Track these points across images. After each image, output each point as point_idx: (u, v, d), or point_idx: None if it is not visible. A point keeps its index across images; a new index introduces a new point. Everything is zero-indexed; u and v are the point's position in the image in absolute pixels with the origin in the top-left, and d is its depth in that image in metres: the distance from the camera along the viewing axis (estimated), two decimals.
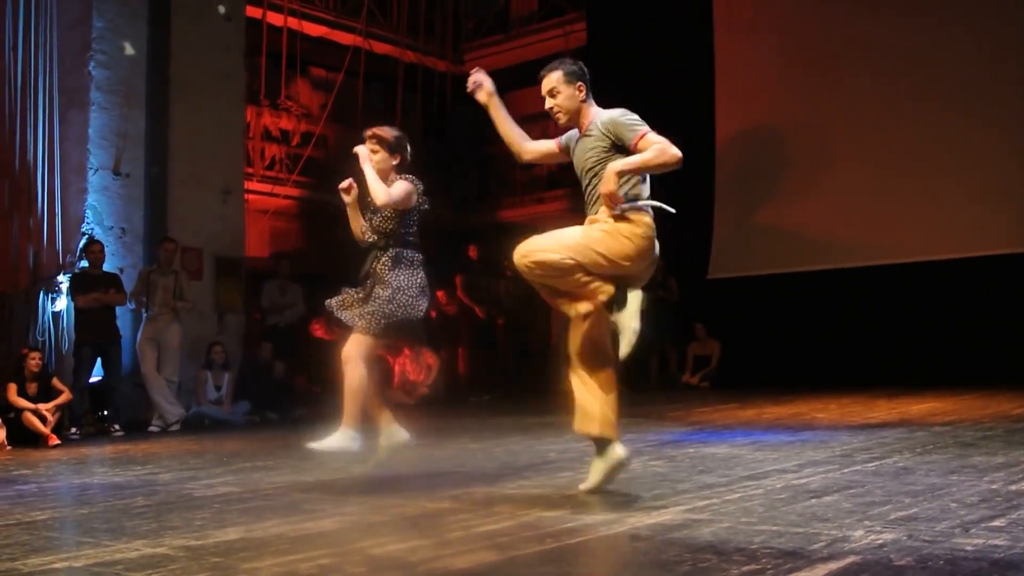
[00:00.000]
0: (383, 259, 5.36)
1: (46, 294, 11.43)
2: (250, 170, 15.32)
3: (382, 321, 5.22)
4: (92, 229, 11.53)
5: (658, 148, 4.54)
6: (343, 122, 17.62)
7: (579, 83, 4.78)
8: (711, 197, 14.27)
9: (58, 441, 9.46)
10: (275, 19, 16.38)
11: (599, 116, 4.75)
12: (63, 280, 11.33)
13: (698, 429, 7.92)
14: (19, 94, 11.80)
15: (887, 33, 12.91)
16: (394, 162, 5.45)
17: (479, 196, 18.59)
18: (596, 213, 4.70)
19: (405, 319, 5.30)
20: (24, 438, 9.41)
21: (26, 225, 11.77)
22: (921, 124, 12.58)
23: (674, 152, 4.55)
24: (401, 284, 5.31)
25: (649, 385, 14.12)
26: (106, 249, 11.13)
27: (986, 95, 12.21)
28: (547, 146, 5.06)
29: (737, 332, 13.71)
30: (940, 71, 12.46)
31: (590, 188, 4.74)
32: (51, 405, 9.70)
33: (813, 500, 4.20)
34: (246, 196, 13.87)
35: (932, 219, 12.39)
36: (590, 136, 4.73)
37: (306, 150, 16.68)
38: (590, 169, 4.72)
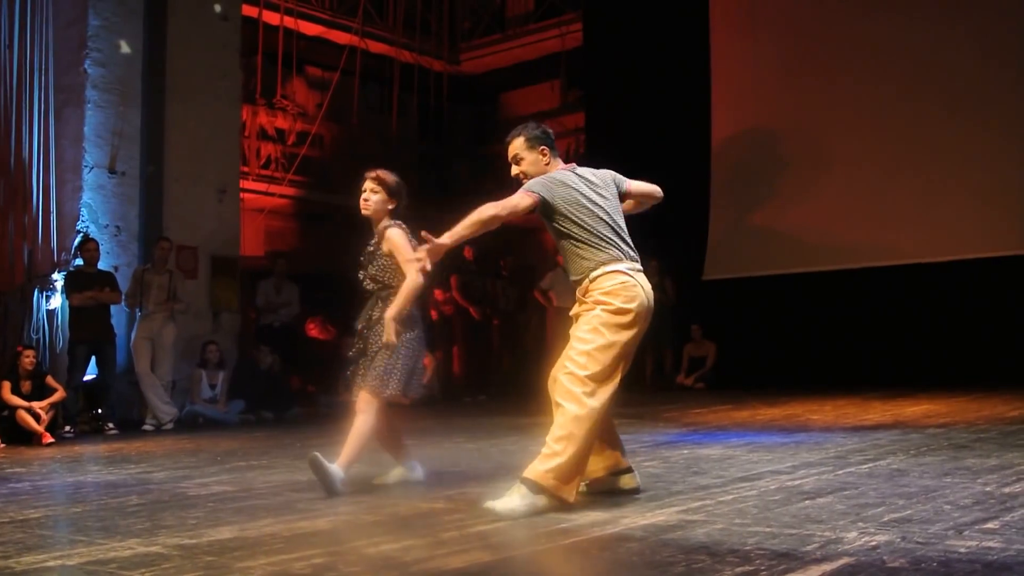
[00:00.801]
0: (376, 314, 5.32)
1: (41, 292, 11.41)
2: (246, 169, 15.32)
3: (390, 381, 5.21)
4: (87, 227, 11.52)
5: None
6: (339, 121, 17.63)
7: (542, 147, 4.79)
8: (707, 198, 14.28)
9: (52, 439, 9.45)
10: (271, 18, 16.38)
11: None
12: (58, 278, 11.31)
13: (693, 430, 7.93)
14: (15, 92, 11.78)
15: (885, 34, 12.92)
16: (390, 206, 5.41)
17: (475, 196, 18.59)
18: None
19: (409, 372, 5.28)
20: (18, 436, 9.40)
21: (21, 223, 11.75)
22: (918, 125, 12.59)
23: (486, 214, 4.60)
24: (403, 338, 5.26)
25: (643, 386, 14.14)
26: (101, 247, 11.11)
27: (985, 96, 12.22)
28: (516, 207, 4.63)
29: (732, 333, 13.72)
30: (939, 72, 12.48)
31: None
32: (45, 403, 9.69)
33: (807, 501, 4.20)
34: (242, 195, 13.86)
35: (928, 221, 12.41)
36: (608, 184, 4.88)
37: (302, 149, 16.67)
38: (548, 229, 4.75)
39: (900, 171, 12.63)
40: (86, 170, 11.62)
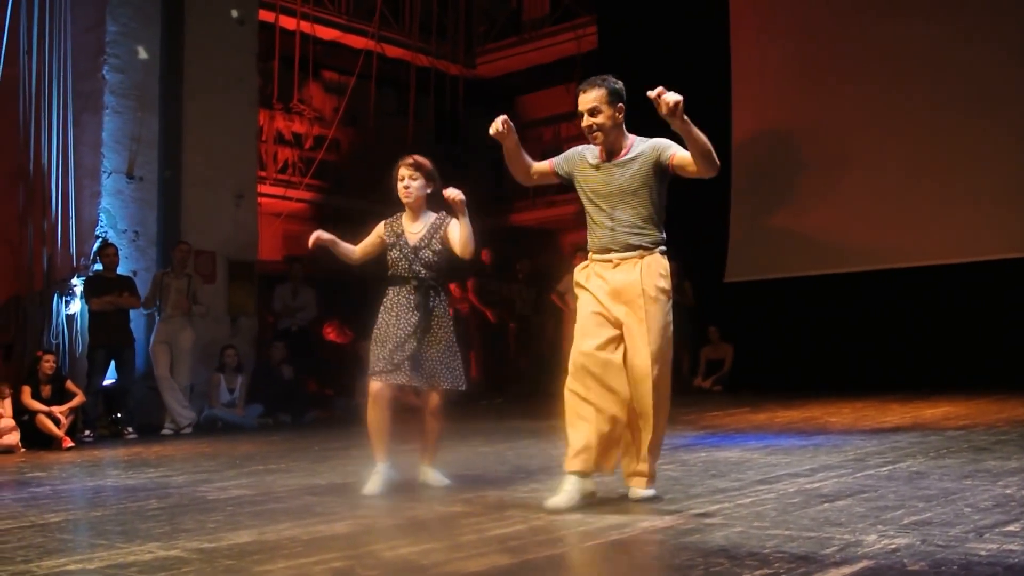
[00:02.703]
0: (440, 303, 5.39)
1: (60, 297, 11.47)
2: (263, 173, 15.36)
3: (459, 373, 5.37)
4: (106, 232, 11.57)
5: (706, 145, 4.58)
6: (356, 125, 17.67)
7: (620, 104, 4.75)
8: (727, 201, 14.24)
9: (72, 443, 9.50)
10: (288, 23, 16.42)
11: (641, 141, 4.78)
12: (77, 283, 11.37)
13: (710, 433, 7.91)
14: (34, 98, 11.86)
15: (903, 36, 12.87)
16: (428, 191, 5.42)
17: (492, 200, 18.62)
18: (616, 253, 4.68)
19: (464, 368, 5.45)
20: (38, 440, 9.45)
21: (40, 228, 11.82)
22: (937, 127, 12.53)
23: (716, 163, 4.65)
24: (454, 331, 5.43)
25: None
26: (120, 252, 11.16)
27: (1003, 98, 12.16)
28: (542, 168, 4.97)
29: (750, 335, 13.68)
30: (957, 74, 12.42)
31: (637, 211, 4.68)
32: (65, 408, 9.74)
33: (826, 504, 4.19)
34: (259, 199, 13.90)
35: (947, 223, 12.35)
36: (630, 160, 4.72)
37: (319, 153, 16.71)
38: (632, 192, 4.67)
39: (921, 173, 12.57)
40: (104, 175, 11.68)
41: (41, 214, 11.82)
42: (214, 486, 5.91)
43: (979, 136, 12.22)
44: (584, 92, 4.73)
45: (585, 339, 4.59)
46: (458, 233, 5.28)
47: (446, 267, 5.43)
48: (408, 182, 5.38)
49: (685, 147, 4.62)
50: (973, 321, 12.08)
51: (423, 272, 5.34)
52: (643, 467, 4.62)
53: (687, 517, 4.04)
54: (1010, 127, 12.10)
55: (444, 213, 5.42)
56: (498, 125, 4.72)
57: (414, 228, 5.43)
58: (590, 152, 4.81)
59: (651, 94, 4.39)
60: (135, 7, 12.10)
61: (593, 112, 4.70)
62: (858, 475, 5.04)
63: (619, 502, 4.53)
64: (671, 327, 4.65)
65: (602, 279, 4.67)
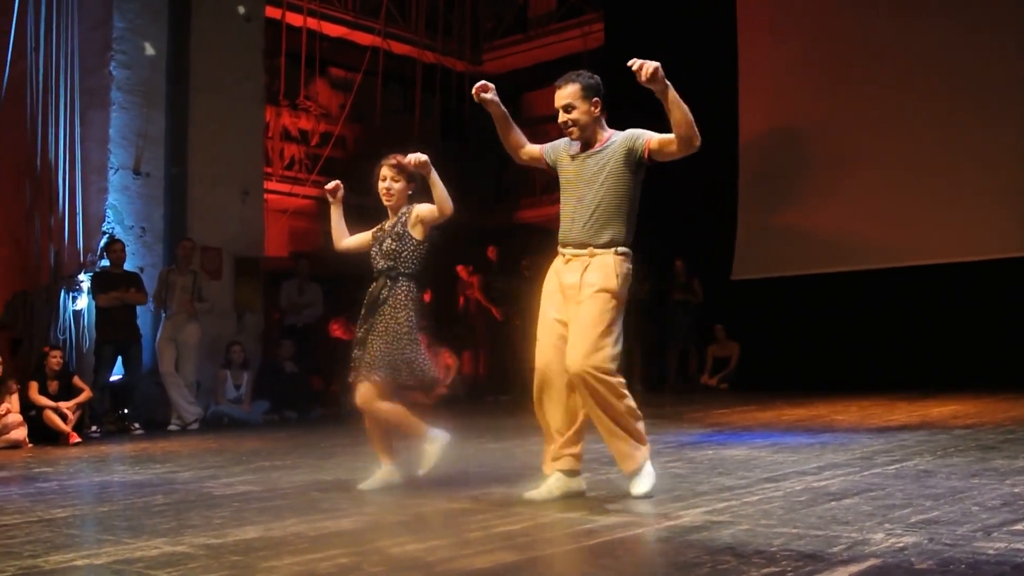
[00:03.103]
0: (397, 292, 5.22)
1: (67, 293, 11.49)
2: (269, 170, 15.38)
3: (393, 368, 5.12)
4: (113, 228, 11.58)
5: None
6: (362, 122, 17.67)
7: (595, 98, 4.70)
8: (734, 199, 14.23)
9: (79, 439, 9.51)
10: (294, 19, 16.43)
11: (617, 134, 4.72)
12: (84, 279, 11.38)
13: (717, 431, 7.90)
14: (41, 94, 11.87)
15: (910, 36, 12.86)
16: (410, 192, 5.36)
17: (498, 196, 18.61)
18: (571, 248, 4.66)
19: (411, 360, 5.19)
20: (45, 436, 9.47)
21: (47, 224, 11.84)
22: (944, 126, 12.51)
23: (697, 134, 4.52)
24: (409, 322, 5.20)
25: (666, 385, 14.13)
26: (126, 248, 11.17)
27: (1009, 98, 12.15)
28: (534, 151, 4.97)
29: (757, 334, 13.67)
30: (963, 74, 12.41)
31: (594, 206, 4.61)
32: (72, 403, 9.76)
33: (833, 503, 4.18)
34: (265, 196, 13.90)
35: (955, 221, 12.33)
36: (602, 151, 4.66)
37: (325, 150, 16.72)
38: (598, 183, 4.62)
39: (929, 171, 12.56)
40: (111, 171, 11.69)
41: (48, 210, 11.84)
42: (220, 482, 5.91)
43: (986, 135, 12.21)
44: (559, 88, 4.70)
45: (540, 346, 4.68)
46: (433, 198, 5.17)
47: (410, 256, 5.25)
48: (390, 183, 5.32)
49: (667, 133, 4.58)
50: (980, 319, 12.06)
51: (382, 263, 5.27)
52: (574, 450, 4.69)
53: (693, 515, 4.04)
54: (1018, 126, 12.07)
55: (410, 205, 5.33)
56: (477, 91, 4.77)
57: (388, 224, 5.38)
58: (572, 145, 4.79)
59: (631, 64, 4.42)
60: (142, 4, 12.11)
61: (568, 108, 4.68)
62: (865, 473, 5.03)
63: (624, 500, 4.52)
64: (615, 328, 4.55)
65: (557, 275, 4.70)
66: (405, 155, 5.31)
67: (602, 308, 4.52)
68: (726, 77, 14.40)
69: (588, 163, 4.67)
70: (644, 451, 4.62)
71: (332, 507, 4.71)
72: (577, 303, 4.56)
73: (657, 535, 3.65)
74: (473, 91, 4.85)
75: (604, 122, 4.78)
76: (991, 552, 3.13)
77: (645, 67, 4.40)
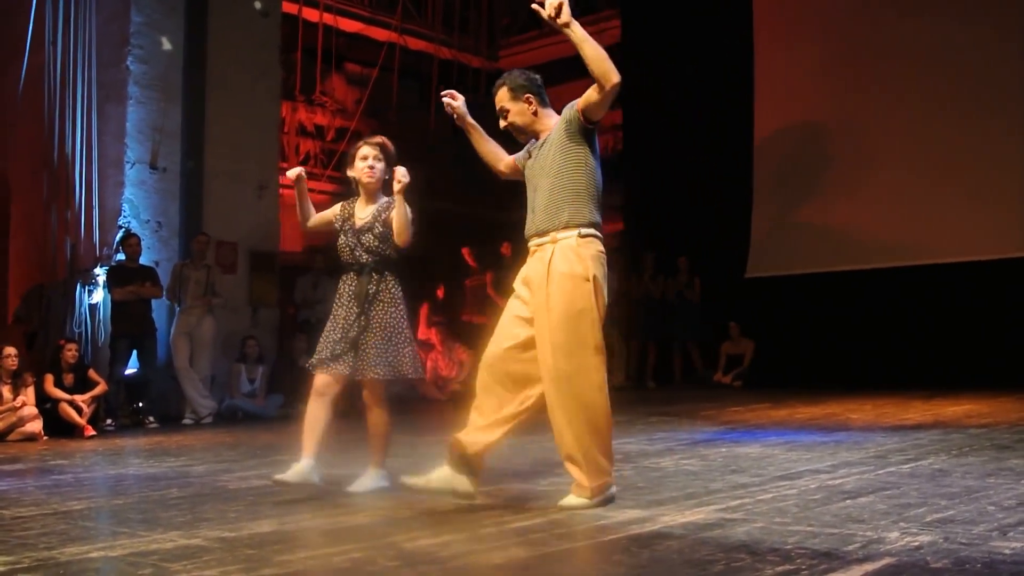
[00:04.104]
0: (384, 289, 5.09)
1: (83, 286, 11.53)
2: (285, 165, 15.37)
3: (395, 362, 5.03)
4: (129, 222, 11.62)
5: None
6: (377, 118, 17.68)
7: (527, 95, 4.60)
8: (749, 196, 14.20)
9: (94, 432, 9.55)
10: (311, 15, 16.45)
11: (559, 117, 4.60)
12: (100, 273, 11.42)
13: (731, 428, 7.89)
14: (58, 88, 11.91)
15: (925, 36, 12.79)
16: (386, 176, 5.19)
17: (512, 192, 18.60)
18: (534, 239, 4.53)
19: (412, 353, 5.11)
20: (60, 429, 9.51)
21: (64, 217, 11.88)
22: (961, 124, 12.45)
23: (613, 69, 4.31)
24: (404, 319, 5.11)
25: (672, 382, 14.12)
26: (142, 243, 11.21)
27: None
28: (510, 161, 4.87)
29: (770, 331, 13.64)
30: (978, 74, 12.35)
31: (549, 190, 4.47)
32: (87, 396, 9.80)
33: (848, 501, 4.17)
34: (281, 191, 13.92)
35: (971, 219, 12.27)
36: (550, 137, 4.55)
37: (341, 145, 16.71)
38: (550, 169, 4.49)
39: (945, 169, 12.50)
40: (128, 166, 11.72)
41: (65, 204, 11.88)
42: (235, 476, 5.93)
43: (1003, 134, 12.15)
44: (494, 95, 4.65)
45: (493, 341, 4.55)
46: (394, 218, 5.04)
47: (394, 252, 5.13)
48: (373, 162, 5.16)
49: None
50: (996, 318, 12.00)
51: (364, 258, 5.11)
52: (575, 472, 4.33)
53: (708, 512, 4.03)
54: None
55: (391, 199, 5.16)
56: (448, 103, 4.76)
57: (363, 213, 5.20)
58: (531, 143, 4.74)
59: (534, 6, 4.33)
60: None
61: (502, 113, 4.64)
62: (880, 472, 5.02)
63: (639, 497, 4.52)
64: (589, 315, 4.30)
65: (525, 272, 4.57)
66: (378, 136, 5.31)
67: (575, 296, 4.31)
68: (742, 75, 14.36)
69: (540, 154, 4.59)
70: (607, 478, 4.36)
71: (346, 502, 4.72)
72: (542, 290, 4.36)
73: (671, 532, 3.65)
74: (443, 98, 4.81)
75: (551, 111, 4.67)
76: (1007, 552, 3.12)
77: (549, 3, 4.23)
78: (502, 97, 4.62)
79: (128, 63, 11.83)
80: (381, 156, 5.19)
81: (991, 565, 2.96)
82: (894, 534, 3.43)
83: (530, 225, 4.54)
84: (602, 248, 4.45)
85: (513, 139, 4.77)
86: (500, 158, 4.90)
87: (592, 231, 4.42)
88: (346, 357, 5.04)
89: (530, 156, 4.66)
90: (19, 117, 12.33)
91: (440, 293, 14.71)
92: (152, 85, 11.98)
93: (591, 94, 4.36)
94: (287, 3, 14.67)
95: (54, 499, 5.15)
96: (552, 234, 4.41)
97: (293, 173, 5.27)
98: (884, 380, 11.87)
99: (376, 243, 5.10)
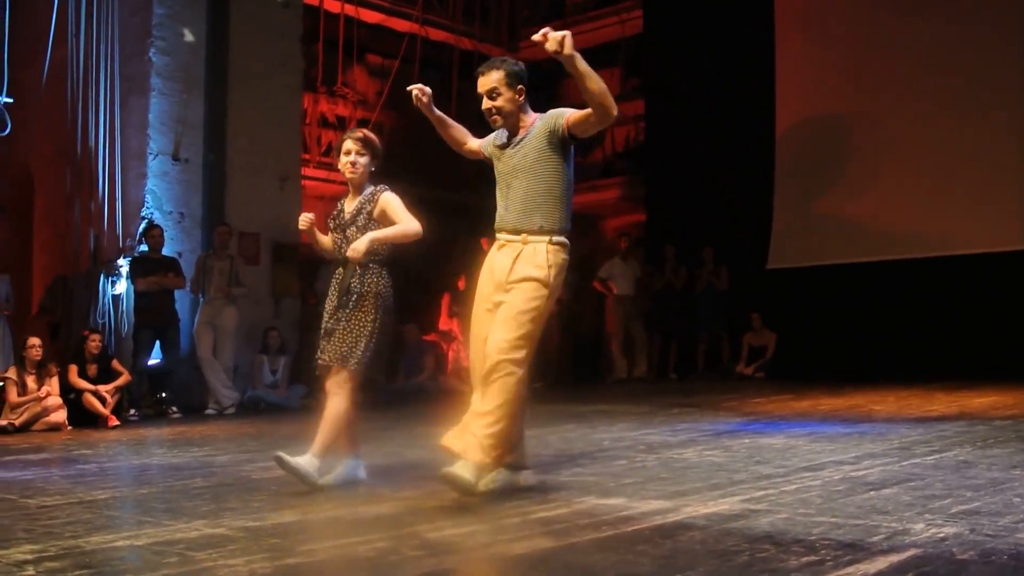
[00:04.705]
0: (368, 281, 4.99)
1: (106, 277, 11.60)
2: (307, 156, 15.41)
3: (356, 353, 4.93)
4: (152, 214, 11.67)
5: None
6: (399, 109, 17.68)
7: (520, 86, 4.60)
8: (771, 187, 14.15)
9: (117, 422, 9.62)
10: (332, 6, 16.46)
11: (539, 117, 4.61)
12: (123, 264, 11.48)
13: (753, 419, 7.87)
14: (81, 80, 11.98)
15: (948, 23, 12.71)
16: (373, 169, 5.14)
17: None
18: (505, 233, 4.58)
19: (377, 349, 5.01)
20: (84, 419, 9.57)
21: (87, 209, 11.95)
22: (983, 114, 12.37)
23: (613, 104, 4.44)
24: (388, 307, 5.03)
25: (695, 373, 14.10)
26: (165, 234, 11.26)
27: None
28: (473, 145, 4.91)
29: (793, 322, 13.59)
30: (1002, 65, 12.26)
31: (524, 192, 4.53)
32: (111, 387, 9.87)
33: (872, 492, 4.15)
34: (303, 182, 13.96)
35: (994, 210, 12.20)
36: (526, 138, 4.57)
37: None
38: (525, 169, 4.53)
39: (967, 159, 12.42)
40: (151, 157, 11.78)
41: (88, 195, 11.95)
42: (258, 466, 5.96)
43: None
44: (483, 75, 4.63)
45: (473, 341, 4.61)
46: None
47: (378, 245, 4.99)
48: (355, 157, 5.08)
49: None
50: (1021, 309, 11.92)
51: (351, 252, 5.02)
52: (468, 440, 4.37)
53: (731, 503, 4.02)
54: None
55: (375, 188, 5.09)
56: (417, 96, 4.77)
57: (350, 207, 5.14)
58: (500, 134, 4.73)
59: (535, 37, 4.31)
60: None
61: (492, 94, 4.60)
62: (904, 463, 4.99)
63: (663, 487, 4.51)
64: (537, 319, 4.43)
65: (491, 263, 4.62)
66: (360, 129, 5.26)
67: (529, 297, 4.42)
68: (763, 66, 14.30)
69: (515, 151, 4.59)
70: (489, 459, 4.37)
71: (369, 492, 4.73)
72: (506, 291, 4.46)
73: (694, 523, 3.64)
74: (413, 94, 4.80)
75: (528, 108, 4.67)
76: None
77: (552, 37, 4.25)
78: (497, 80, 4.59)
79: (150, 55, 11.88)
80: (364, 150, 5.11)
81: (1018, 556, 2.94)
82: (919, 525, 3.41)
83: (502, 219, 4.62)
84: (567, 256, 4.59)
85: (484, 124, 4.74)
86: (464, 140, 4.96)
87: (562, 239, 4.56)
88: (325, 348, 5.01)
89: (501, 149, 4.67)
90: (43, 110, 12.40)
91: (461, 284, 14.70)
92: (174, 77, 12.03)
93: (587, 118, 4.46)
94: None
95: (79, 488, 5.18)
96: (524, 235, 4.52)
97: (304, 224, 5.19)
98: (907, 371, 11.80)
99: (359, 236, 5.00)
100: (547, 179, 4.52)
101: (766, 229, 14.10)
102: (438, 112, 4.94)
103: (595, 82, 4.36)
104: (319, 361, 5.03)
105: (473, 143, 4.94)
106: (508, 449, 4.50)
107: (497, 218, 4.64)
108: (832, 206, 13.64)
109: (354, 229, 5.04)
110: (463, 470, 4.26)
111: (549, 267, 4.47)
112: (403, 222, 4.96)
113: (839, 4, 13.96)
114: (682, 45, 15.32)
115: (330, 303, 5.08)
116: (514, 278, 4.46)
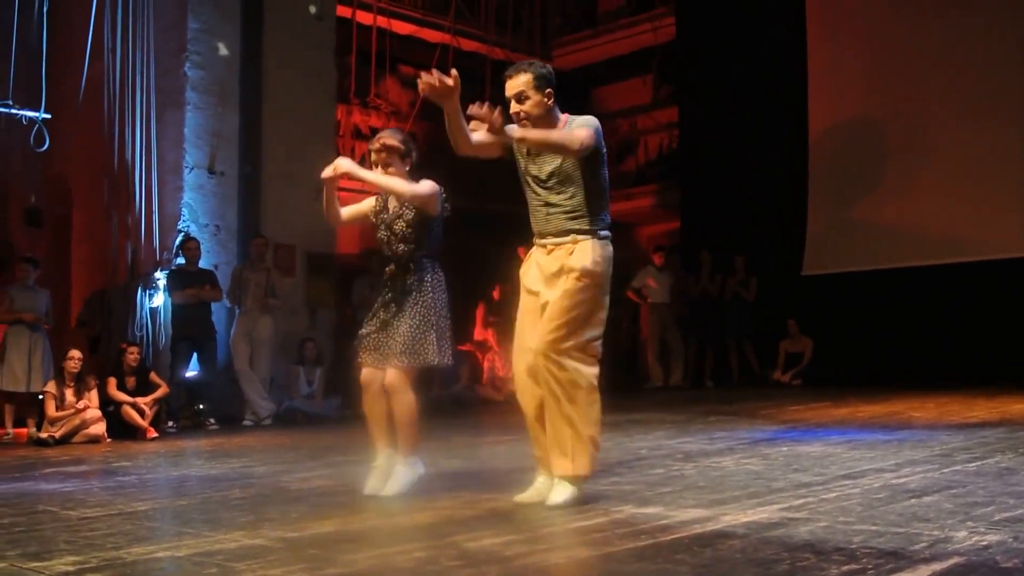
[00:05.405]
0: (423, 276, 5.04)
1: (144, 290, 11.68)
2: None
3: (419, 346, 4.94)
4: (188, 226, 11.75)
5: (567, 134, 4.45)
6: (432, 120, 17.72)
7: (548, 89, 4.57)
8: (805, 193, 14.07)
9: (156, 434, 9.68)
10: (365, 18, 16.53)
11: (571, 120, 4.59)
12: (160, 276, 11.56)
13: (791, 427, 7.82)
14: (117, 95, 12.08)
15: (985, 21, 12.60)
16: (407, 167, 5.19)
17: None
18: (556, 237, 4.57)
19: (440, 338, 5.01)
20: (123, 431, 9.64)
21: (124, 222, 12.05)
22: (1018, 118, 12.25)
23: (577, 143, 4.40)
24: (438, 304, 5.03)
25: (731, 381, 14.03)
26: (201, 246, 11.33)
27: None
28: (488, 137, 4.77)
29: (829, 329, 13.50)
30: None
31: (565, 196, 4.53)
32: (149, 399, 9.93)
33: (913, 500, 4.12)
34: (337, 193, 13.99)
35: None
36: None
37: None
38: (564, 177, 4.52)
39: (1004, 162, 12.31)
40: (186, 170, 11.86)
41: (125, 209, 12.05)
42: (296, 476, 5.97)
43: None
44: (510, 78, 4.61)
45: (520, 343, 4.60)
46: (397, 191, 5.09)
47: (427, 236, 5.08)
48: (383, 171, 5.17)
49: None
50: None
51: (399, 247, 5.09)
52: (559, 460, 4.44)
53: (770, 511, 4.00)
54: None
55: (412, 184, 5.12)
56: (442, 81, 4.64)
57: (393, 203, 5.21)
58: None
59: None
60: (216, 4, 12.27)
61: (520, 98, 4.57)
62: (945, 471, 4.94)
63: (701, 496, 4.49)
64: (598, 315, 4.50)
65: (538, 266, 4.61)
66: (379, 139, 5.26)
67: (586, 295, 4.44)
68: (796, 72, 14.24)
69: (549, 157, 4.58)
70: (584, 464, 4.44)
71: (407, 502, 4.73)
72: (559, 284, 4.47)
73: (733, 531, 3.62)
74: (433, 87, 4.70)
75: (558, 112, 4.64)
76: None
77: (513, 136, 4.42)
78: (525, 83, 4.56)
79: (185, 69, 11.97)
80: (390, 157, 5.18)
81: None
82: (962, 533, 3.38)
83: (545, 226, 4.60)
84: (612, 249, 4.63)
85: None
86: (469, 136, 4.82)
87: (608, 233, 4.61)
88: (378, 348, 5.03)
89: (529, 153, 4.65)
90: (80, 125, 12.52)
91: (496, 294, 14.72)
92: (209, 90, 12.11)
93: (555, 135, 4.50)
94: (341, 6, 14.76)
95: (119, 500, 5.21)
96: (573, 235, 4.53)
97: (328, 172, 5.26)
98: (947, 377, 11.69)
99: (408, 230, 5.07)
100: (588, 185, 4.53)
101: (800, 234, 14.02)
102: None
103: (549, 144, 4.45)
104: (371, 362, 5.05)
105: (484, 137, 4.79)
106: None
107: (538, 223, 4.62)
108: (867, 211, 13.55)
109: (402, 223, 5.11)
110: (561, 495, 4.37)
111: (601, 260, 4.49)
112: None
113: (871, 6, 13.88)
114: (715, 52, 15.29)
115: (381, 301, 5.11)
116: (571, 273, 4.45)
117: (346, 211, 5.42)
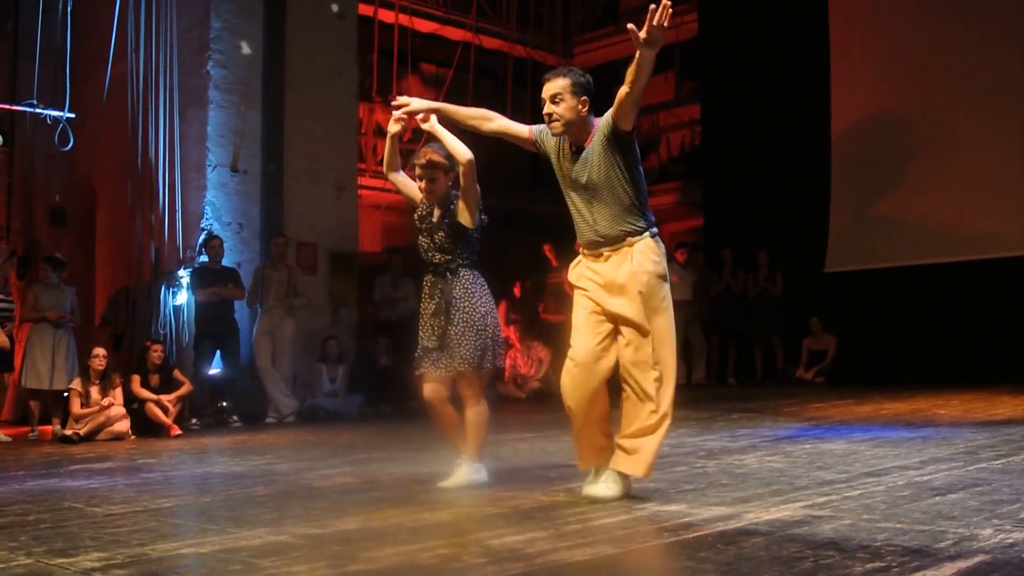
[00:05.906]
0: (458, 285, 5.13)
1: (167, 288, 11.73)
2: (363, 166, 15.52)
3: (486, 355, 5.09)
4: (211, 225, 11.80)
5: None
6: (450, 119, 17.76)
7: (584, 97, 4.56)
8: (827, 189, 14.01)
9: (180, 431, 9.72)
10: (386, 16, 16.57)
11: (597, 128, 4.58)
12: (184, 275, 11.62)
13: (814, 425, 7.79)
14: (141, 95, 12.14)
15: (1008, 19, 12.51)
16: (449, 182, 5.27)
17: None
18: (609, 244, 4.58)
19: (496, 341, 5.17)
20: (147, 428, 9.69)
21: (148, 221, 12.11)
22: None
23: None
24: (486, 308, 5.15)
25: (753, 378, 13.99)
26: (224, 244, 11.38)
27: None
28: (517, 129, 4.86)
29: (853, 326, 13.44)
30: None
31: (609, 202, 4.54)
32: (173, 396, 9.97)
33: (937, 498, 4.10)
34: (359, 191, 14.04)
35: None
36: (592, 148, 4.55)
37: (417, 146, 16.71)
38: (604, 183, 4.53)
39: None
40: (209, 169, 11.91)
41: (149, 208, 12.11)
42: (319, 474, 5.99)
43: None
44: (549, 80, 4.63)
45: (580, 339, 4.59)
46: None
47: (465, 246, 5.19)
48: (427, 184, 5.26)
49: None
50: None
51: (438, 257, 5.18)
52: (628, 444, 4.49)
53: (794, 509, 3.99)
54: None
55: (455, 193, 5.23)
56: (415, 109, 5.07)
57: (437, 213, 5.29)
58: (562, 142, 4.68)
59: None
60: (238, 4, 12.31)
61: (555, 99, 4.57)
62: (970, 468, 4.92)
63: (724, 493, 4.48)
64: (671, 310, 4.57)
65: (595, 273, 4.61)
66: (425, 155, 5.32)
67: (663, 295, 4.52)
68: (818, 68, 14.17)
69: (583, 167, 4.57)
70: (645, 468, 4.49)
71: (430, 499, 4.74)
72: (633, 293, 4.47)
73: (757, 529, 3.61)
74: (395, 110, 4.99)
75: (593, 121, 4.62)
76: None
77: (664, 9, 4.36)
78: (562, 86, 4.57)
79: (208, 68, 12.02)
80: (436, 173, 5.26)
81: None
82: (987, 531, 3.36)
83: (596, 232, 4.60)
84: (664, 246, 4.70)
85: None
86: (484, 119, 4.94)
87: (656, 230, 4.65)
88: (440, 358, 5.11)
89: (569, 162, 4.64)
90: (104, 125, 12.58)
91: (517, 291, 14.72)
92: (232, 89, 12.16)
93: (622, 101, 4.43)
94: (363, 5, 14.79)
95: (144, 497, 5.24)
96: (628, 239, 4.54)
97: (394, 128, 5.43)
98: (971, 375, 11.62)
99: (447, 240, 5.16)
100: (627, 187, 4.54)
101: (823, 231, 13.96)
102: (434, 104, 5.10)
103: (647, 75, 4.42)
104: (434, 372, 5.12)
105: (518, 128, 4.88)
106: None
107: (586, 232, 4.63)
108: (890, 208, 13.47)
109: (441, 234, 5.19)
110: (609, 489, 4.47)
111: (662, 258, 4.57)
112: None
113: (893, 3, 13.80)
114: (737, 48, 15.24)
115: (426, 312, 5.20)
116: (642, 279, 4.48)
117: (402, 176, 5.52)
